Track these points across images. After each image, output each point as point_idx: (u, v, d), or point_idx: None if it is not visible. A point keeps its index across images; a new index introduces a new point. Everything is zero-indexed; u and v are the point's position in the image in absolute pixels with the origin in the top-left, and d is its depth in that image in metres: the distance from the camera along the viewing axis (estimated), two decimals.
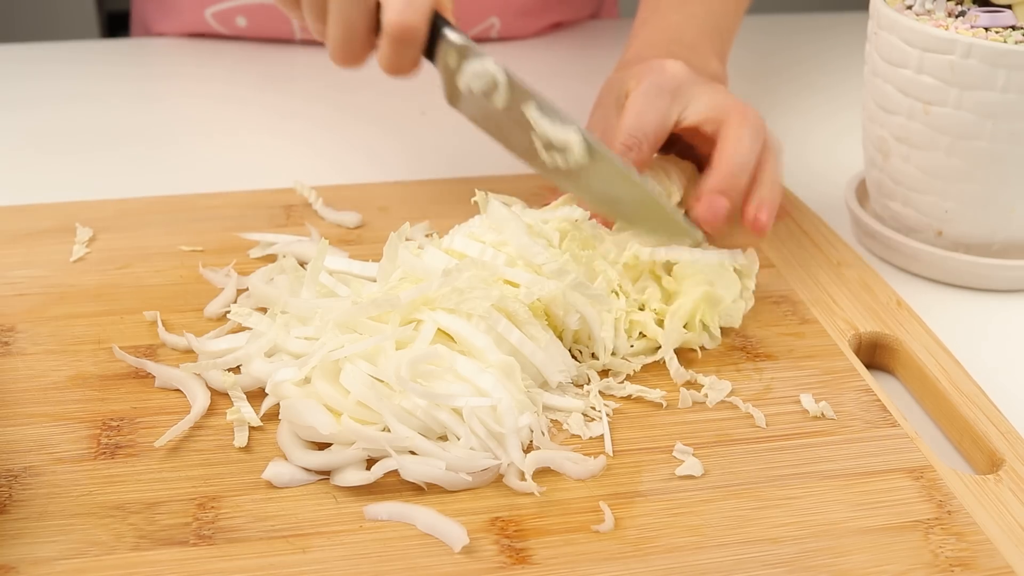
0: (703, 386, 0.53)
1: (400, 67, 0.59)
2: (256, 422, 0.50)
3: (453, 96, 0.60)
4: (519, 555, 0.43)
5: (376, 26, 0.60)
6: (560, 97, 0.89)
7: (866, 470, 0.48)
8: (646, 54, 0.67)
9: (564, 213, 0.58)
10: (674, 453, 0.49)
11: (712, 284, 0.56)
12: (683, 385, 0.53)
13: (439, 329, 0.51)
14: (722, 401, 0.52)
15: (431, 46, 0.59)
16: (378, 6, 0.59)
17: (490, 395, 0.49)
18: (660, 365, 0.55)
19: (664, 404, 0.52)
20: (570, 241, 0.57)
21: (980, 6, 0.62)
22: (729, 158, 0.58)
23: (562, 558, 0.43)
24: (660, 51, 0.67)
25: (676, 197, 0.61)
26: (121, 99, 0.89)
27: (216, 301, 0.58)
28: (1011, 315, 0.63)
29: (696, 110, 0.60)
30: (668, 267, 0.58)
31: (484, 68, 0.58)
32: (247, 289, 0.58)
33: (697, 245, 0.58)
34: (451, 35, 0.58)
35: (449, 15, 0.60)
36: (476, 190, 0.58)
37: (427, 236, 0.64)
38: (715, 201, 0.57)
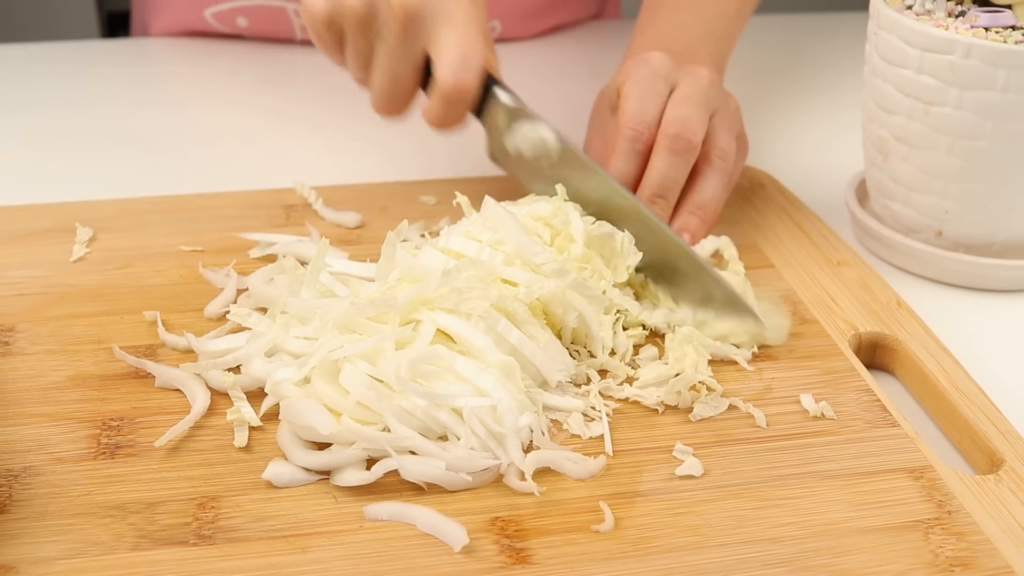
0: (703, 388, 0.53)
1: (447, 123, 0.60)
2: (256, 422, 0.50)
3: (497, 153, 0.61)
4: (519, 555, 0.43)
5: (420, 79, 0.60)
6: (561, 98, 0.90)
7: (866, 470, 0.48)
8: None
9: (531, 210, 0.58)
10: (674, 453, 0.49)
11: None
12: (682, 388, 0.53)
13: (439, 329, 0.51)
14: None
15: (479, 103, 0.60)
16: (426, 60, 0.59)
17: (490, 395, 0.49)
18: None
19: (660, 410, 0.52)
20: (562, 239, 0.57)
21: (980, 6, 0.62)
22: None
23: (562, 558, 0.43)
24: None
25: None
26: (121, 99, 0.89)
27: (216, 301, 0.58)
28: (1011, 315, 0.62)
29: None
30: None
31: (536, 133, 0.59)
32: (247, 289, 0.58)
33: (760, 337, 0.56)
34: (502, 95, 0.59)
35: (498, 73, 0.60)
36: (456, 192, 0.58)
37: (422, 236, 0.64)
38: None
